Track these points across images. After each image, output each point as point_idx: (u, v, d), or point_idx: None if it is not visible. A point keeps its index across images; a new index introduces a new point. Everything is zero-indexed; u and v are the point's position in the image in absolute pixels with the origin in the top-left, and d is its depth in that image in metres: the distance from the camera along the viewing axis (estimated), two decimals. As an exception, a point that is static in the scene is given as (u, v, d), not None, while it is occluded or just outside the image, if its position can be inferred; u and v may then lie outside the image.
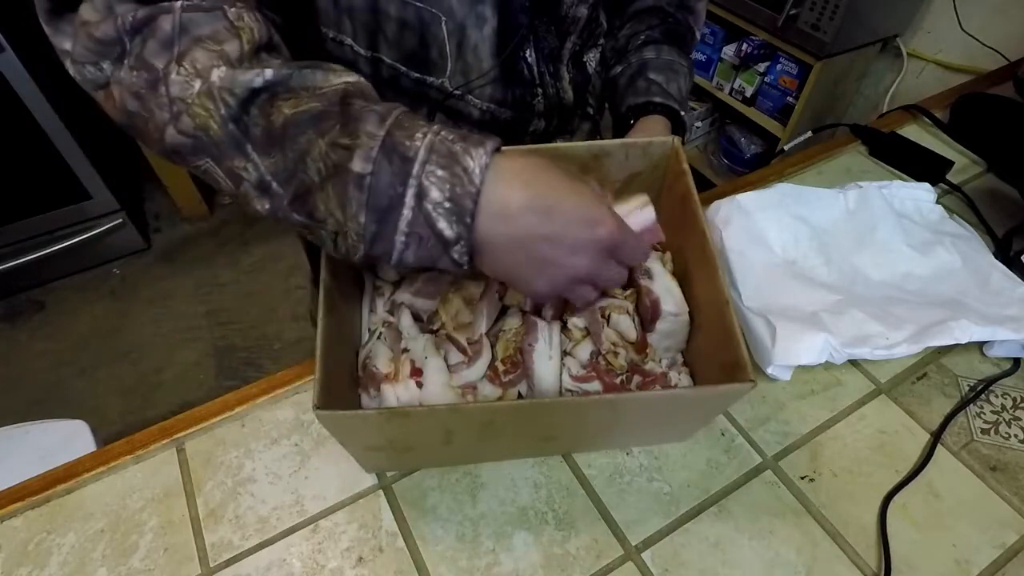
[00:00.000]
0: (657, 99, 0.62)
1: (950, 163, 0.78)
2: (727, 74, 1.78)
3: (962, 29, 1.42)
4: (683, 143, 0.54)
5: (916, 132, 0.85)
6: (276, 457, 0.54)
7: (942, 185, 0.77)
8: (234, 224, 2.07)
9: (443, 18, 0.49)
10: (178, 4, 0.35)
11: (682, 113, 0.62)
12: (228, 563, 0.48)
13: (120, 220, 1.82)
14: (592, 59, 0.65)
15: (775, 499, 0.51)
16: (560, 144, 0.49)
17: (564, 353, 0.49)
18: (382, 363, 0.48)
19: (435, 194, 0.32)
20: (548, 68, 0.58)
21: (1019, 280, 0.64)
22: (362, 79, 0.36)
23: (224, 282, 1.90)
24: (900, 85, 1.62)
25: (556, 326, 0.49)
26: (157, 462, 0.54)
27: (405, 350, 0.49)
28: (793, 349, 0.56)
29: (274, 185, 0.34)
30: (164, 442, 0.54)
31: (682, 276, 0.50)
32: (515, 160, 0.33)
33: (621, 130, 0.63)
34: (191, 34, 0.34)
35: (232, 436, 0.55)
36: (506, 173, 0.33)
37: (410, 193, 0.32)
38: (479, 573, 0.47)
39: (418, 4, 0.48)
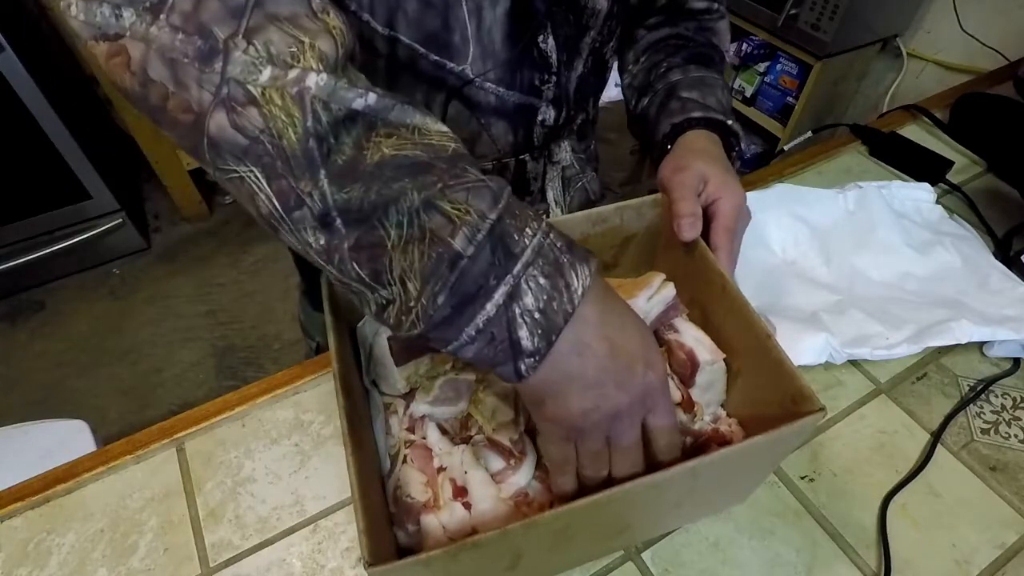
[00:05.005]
0: (696, 114, 0.55)
1: (950, 163, 0.78)
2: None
3: (962, 29, 1.42)
4: (739, 155, 0.50)
5: (916, 132, 0.85)
6: (276, 457, 0.54)
7: (942, 185, 0.77)
8: (234, 224, 2.07)
9: None
10: None
11: (729, 121, 0.55)
12: (228, 563, 0.48)
13: (120, 220, 1.82)
14: (611, 57, 0.63)
15: (775, 499, 0.51)
16: (562, 217, 0.47)
17: None
18: (416, 490, 0.41)
19: (529, 300, 0.29)
20: (563, 56, 0.56)
21: (1019, 280, 0.64)
22: (456, 138, 0.32)
23: (224, 282, 1.90)
24: (900, 85, 1.62)
25: None
26: (157, 462, 0.54)
27: (440, 469, 0.43)
28: (793, 349, 0.56)
29: (338, 222, 0.29)
30: (164, 442, 0.54)
31: (703, 325, 0.48)
32: (598, 284, 0.32)
33: (662, 159, 0.54)
34: (265, 8, 0.28)
35: (232, 436, 0.55)
36: (593, 298, 0.31)
37: (502, 291, 0.29)
38: (479, 573, 0.47)
39: None
